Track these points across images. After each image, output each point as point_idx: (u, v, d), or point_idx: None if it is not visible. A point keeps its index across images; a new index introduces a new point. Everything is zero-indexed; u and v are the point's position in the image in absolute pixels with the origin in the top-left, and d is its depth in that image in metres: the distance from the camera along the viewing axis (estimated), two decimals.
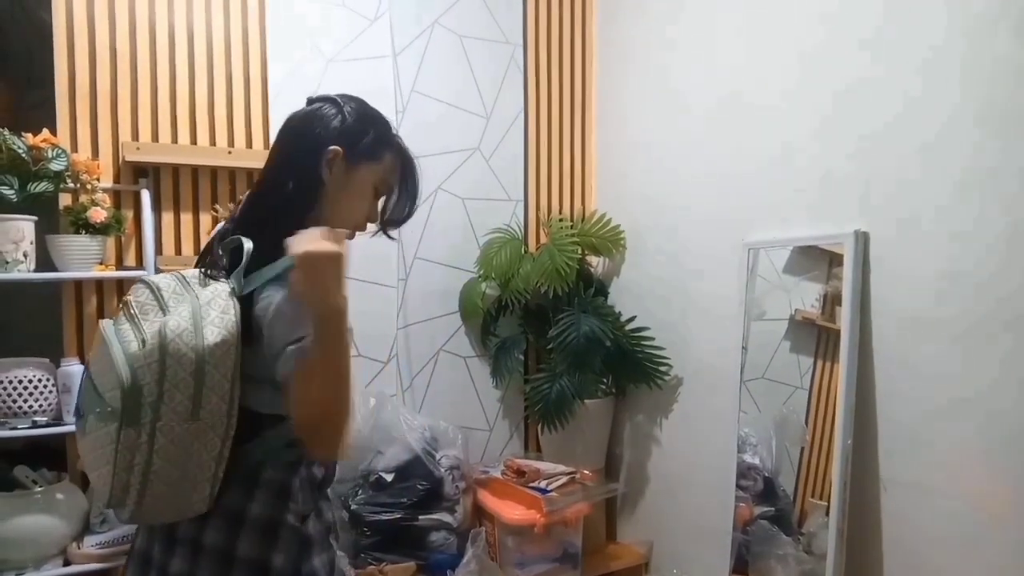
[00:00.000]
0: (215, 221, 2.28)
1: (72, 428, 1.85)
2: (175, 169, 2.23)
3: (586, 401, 2.52)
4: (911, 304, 1.71)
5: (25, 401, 1.84)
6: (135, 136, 2.18)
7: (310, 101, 1.32)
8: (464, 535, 2.35)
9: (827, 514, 1.80)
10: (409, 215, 1.41)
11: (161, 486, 1.12)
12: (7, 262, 1.82)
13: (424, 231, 2.63)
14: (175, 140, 2.23)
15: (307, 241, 1.05)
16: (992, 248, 1.54)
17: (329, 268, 1.04)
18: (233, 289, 1.16)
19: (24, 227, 1.85)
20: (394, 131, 1.35)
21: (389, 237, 1.46)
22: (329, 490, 1.33)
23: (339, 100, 1.29)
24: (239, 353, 1.14)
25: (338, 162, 1.25)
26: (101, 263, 2.02)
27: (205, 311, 1.13)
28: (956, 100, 1.60)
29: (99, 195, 1.99)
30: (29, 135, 1.85)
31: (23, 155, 1.82)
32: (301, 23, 2.40)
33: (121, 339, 1.13)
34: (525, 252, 2.69)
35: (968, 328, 1.59)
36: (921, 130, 1.67)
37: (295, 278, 1.05)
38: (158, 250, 2.19)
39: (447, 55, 2.67)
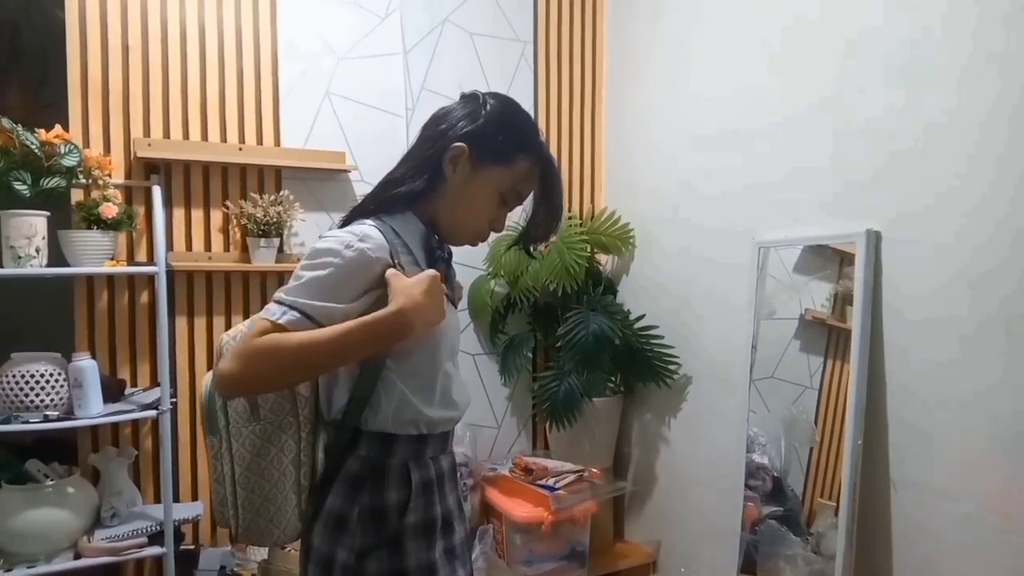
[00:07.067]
0: (226, 218, 2.29)
1: (83, 421, 1.86)
2: (186, 165, 2.24)
3: (594, 399, 2.52)
4: (923, 304, 1.69)
5: (37, 395, 1.85)
6: (147, 132, 2.19)
7: (461, 96, 1.26)
8: (472, 532, 2.35)
9: (836, 514, 1.79)
10: (550, 233, 1.30)
11: (252, 497, 1.12)
12: (20, 257, 1.83)
13: None
14: (186, 137, 2.24)
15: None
16: (1004, 248, 1.52)
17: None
18: None
19: (36, 222, 1.86)
20: (539, 138, 1.24)
21: (530, 255, 1.40)
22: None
23: (482, 98, 1.22)
24: None
25: (463, 160, 1.17)
26: (112, 259, 2.03)
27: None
28: (963, 104, 1.58)
29: (111, 191, 2.00)
30: (42, 131, 1.86)
31: (36, 151, 1.83)
32: (312, 20, 2.41)
33: None
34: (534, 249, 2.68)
35: (979, 328, 1.58)
36: (932, 134, 1.66)
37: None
38: (169, 246, 2.21)
39: (457, 52, 2.67)
